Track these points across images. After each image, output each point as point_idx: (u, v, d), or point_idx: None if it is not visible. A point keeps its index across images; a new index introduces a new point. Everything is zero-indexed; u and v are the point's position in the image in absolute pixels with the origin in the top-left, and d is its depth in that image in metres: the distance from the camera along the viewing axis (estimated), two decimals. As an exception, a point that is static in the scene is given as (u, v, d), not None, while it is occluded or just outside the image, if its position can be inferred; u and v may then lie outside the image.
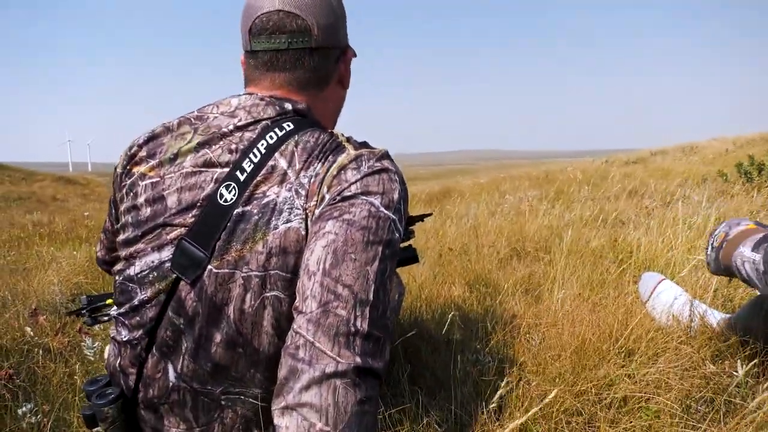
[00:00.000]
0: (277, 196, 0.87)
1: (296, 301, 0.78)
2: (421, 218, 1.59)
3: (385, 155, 0.91)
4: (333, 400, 0.68)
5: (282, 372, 0.73)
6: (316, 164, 0.88)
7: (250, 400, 0.93)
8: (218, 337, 0.89)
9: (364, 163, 0.87)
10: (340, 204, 0.82)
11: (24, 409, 1.30)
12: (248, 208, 0.88)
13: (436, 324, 1.85)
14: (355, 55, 1.10)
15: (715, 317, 1.49)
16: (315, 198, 0.85)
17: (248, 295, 0.87)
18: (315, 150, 0.90)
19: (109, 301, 1.37)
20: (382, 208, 0.82)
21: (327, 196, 0.84)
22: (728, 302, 1.90)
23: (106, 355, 1.09)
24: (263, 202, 0.87)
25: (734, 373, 1.20)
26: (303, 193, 0.86)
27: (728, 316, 1.48)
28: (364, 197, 0.82)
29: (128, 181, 0.98)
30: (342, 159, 0.87)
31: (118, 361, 0.99)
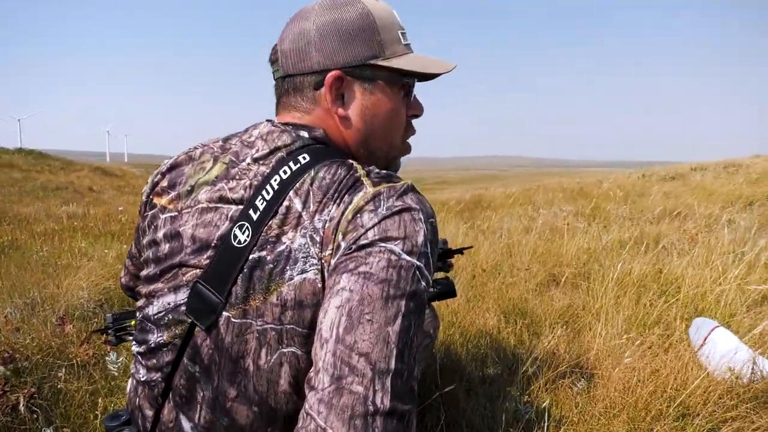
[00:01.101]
0: (292, 243, 0.77)
1: (310, 371, 0.67)
2: (460, 251, 1.51)
3: (408, 189, 0.78)
4: None
5: None
6: (330, 206, 0.77)
7: None
8: (233, 393, 0.82)
9: (382, 203, 0.74)
10: (355, 254, 0.70)
11: (44, 434, 1.26)
12: (263, 253, 0.79)
13: (471, 358, 1.75)
14: (368, 78, 0.90)
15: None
16: (330, 246, 0.74)
17: (263, 351, 0.79)
18: (330, 189, 0.79)
19: (132, 322, 1.33)
20: (404, 255, 0.70)
21: (343, 245, 0.73)
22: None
23: (128, 390, 1.04)
24: (278, 249, 0.78)
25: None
26: (318, 239, 0.76)
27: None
28: (383, 244, 0.70)
29: (150, 213, 0.94)
30: (358, 200, 0.75)
31: (137, 401, 0.94)
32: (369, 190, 0.76)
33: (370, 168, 0.83)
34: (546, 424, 1.21)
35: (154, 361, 0.89)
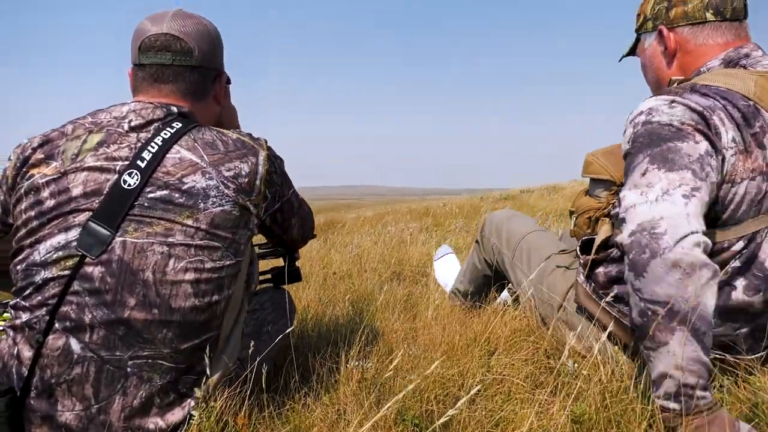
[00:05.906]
0: (197, 183, 1.03)
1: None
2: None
3: (273, 149, 1.20)
4: None
5: None
6: (236, 162, 1.08)
7: (158, 361, 0.99)
8: (132, 301, 0.97)
9: (276, 165, 1.17)
10: (287, 205, 1.24)
11: None
12: (166, 192, 1.01)
13: (322, 339, 1.96)
14: (229, 82, 1.33)
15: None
16: (255, 193, 1.10)
17: (172, 260, 0.99)
18: (219, 146, 1.09)
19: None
20: (297, 194, 1.30)
21: (269, 196, 1.15)
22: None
23: None
24: (184, 188, 1.02)
25: (567, 363, 1.45)
26: (232, 186, 1.06)
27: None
28: (291, 194, 1.26)
29: (26, 183, 1.03)
30: (263, 162, 1.11)
31: (14, 350, 0.98)
32: (263, 153, 1.13)
33: (239, 131, 1.17)
34: (381, 367, 1.47)
35: (40, 297, 0.97)
